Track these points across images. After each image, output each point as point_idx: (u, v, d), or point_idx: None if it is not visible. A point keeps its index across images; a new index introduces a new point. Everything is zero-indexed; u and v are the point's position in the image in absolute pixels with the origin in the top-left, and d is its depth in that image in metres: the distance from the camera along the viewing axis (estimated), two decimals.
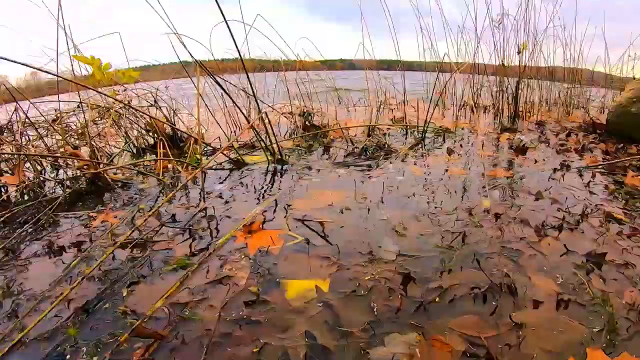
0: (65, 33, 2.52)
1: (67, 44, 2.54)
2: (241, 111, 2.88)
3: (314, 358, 0.98)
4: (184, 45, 2.74)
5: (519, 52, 4.15)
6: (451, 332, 1.04)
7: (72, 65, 2.69)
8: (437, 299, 1.18)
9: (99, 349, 1.04)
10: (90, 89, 2.53)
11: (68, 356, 1.02)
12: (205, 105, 3.07)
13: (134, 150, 3.28)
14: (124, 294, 1.29)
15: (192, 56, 2.61)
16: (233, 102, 2.84)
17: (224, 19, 2.32)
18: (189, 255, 1.52)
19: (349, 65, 7.05)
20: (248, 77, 2.62)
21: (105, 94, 2.81)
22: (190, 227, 1.75)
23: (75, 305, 1.22)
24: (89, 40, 3.02)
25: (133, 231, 1.67)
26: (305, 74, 4.55)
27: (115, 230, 1.77)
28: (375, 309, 1.15)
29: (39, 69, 2.16)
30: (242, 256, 1.48)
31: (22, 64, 1.83)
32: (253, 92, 2.67)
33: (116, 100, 2.96)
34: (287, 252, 1.51)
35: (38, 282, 1.39)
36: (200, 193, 2.18)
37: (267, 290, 1.26)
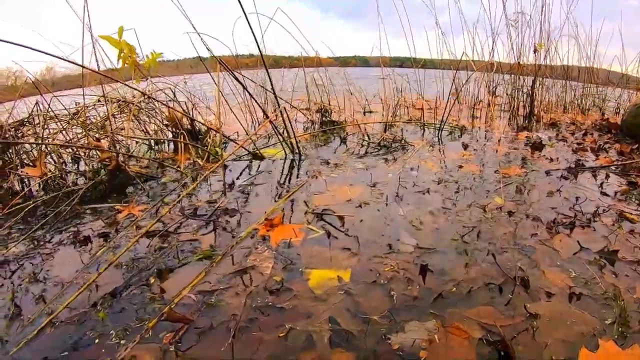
0: (90, 26, 2.59)
1: (91, 37, 2.61)
2: (260, 107, 2.93)
3: (337, 342, 1.03)
4: (206, 45, 2.79)
5: (535, 51, 4.16)
6: (468, 321, 1.09)
7: (96, 59, 2.75)
8: (453, 290, 1.24)
9: (127, 333, 1.09)
10: (115, 80, 2.59)
11: (97, 340, 1.07)
12: (225, 100, 3.13)
13: (153, 144, 3.36)
14: (151, 281, 1.34)
15: (213, 54, 2.66)
16: (252, 97, 2.90)
17: (244, 14, 2.38)
18: (213, 246, 1.58)
19: (362, 62, 7.08)
20: (268, 72, 2.68)
21: (124, 83, 2.85)
22: (213, 220, 1.82)
23: (103, 291, 1.28)
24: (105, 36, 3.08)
25: (158, 220, 1.72)
26: (322, 70, 4.59)
27: (140, 222, 1.84)
28: (395, 298, 1.20)
29: (71, 61, 2.22)
30: (265, 248, 1.54)
31: (51, 55, 1.90)
32: (272, 87, 2.72)
33: (139, 91, 3.01)
34: (308, 244, 1.57)
35: (64, 269, 1.45)
36: (222, 186, 2.24)
37: (291, 279, 1.32)
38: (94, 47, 2.65)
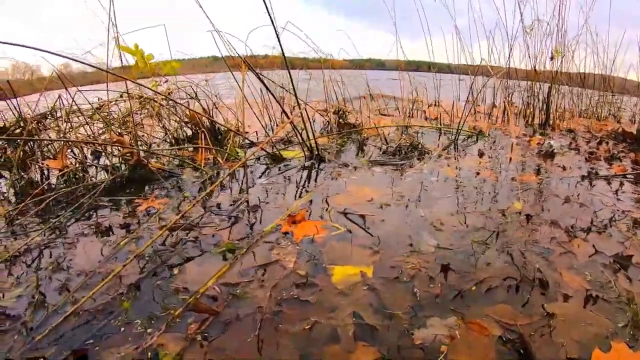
0: (115, 24, 2.65)
1: (116, 34, 2.65)
2: (281, 107, 2.98)
3: (361, 336, 1.08)
4: (231, 47, 2.85)
5: (551, 58, 4.18)
6: (488, 319, 1.14)
7: (120, 56, 2.81)
8: (473, 289, 1.28)
9: (152, 322, 1.13)
10: (131, 80, 2.64)
11: (123, 328, 1.11)
12: (247, 100, 3.18)
13: (173, 142, 3.42)
14: (175, 272, 1.40)
15: (238, 54, 2.72)
16: (275, 99, 2.95)
17: (270, 17, 2.43)
18: (236, 240, 1.63)
19: (378, 64, 7.10)
20: (290, 73, 2.73)
21: (145, 86, 2.91)
22: (236, 216, 1.87)
23: (127, 282, 1.33)
24: (129, 33, 3.16)
25: (182, 215, 1.78)
26: (337, 73, 4.63)
27: (161, 215, 1.90)
28: (417, 295, 1.25)
29: (92, 64, 2.29)
30: (289, 243, 1.59)
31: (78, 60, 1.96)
32: (294, 88, 2.77)
33: (157, 92, 3.08)
34: (330, 241, 1.62)
35: (87, 259, 1.50)
36: (245, 184, 2.29)
37: (315, 274, 1.37)
38: (117, 42, 2.70)
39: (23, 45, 1.69)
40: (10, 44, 1.63)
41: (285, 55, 2.60)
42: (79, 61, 2.25)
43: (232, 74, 2.97)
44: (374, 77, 5.42)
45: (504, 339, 1.06)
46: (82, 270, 1.42)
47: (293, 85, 2.76)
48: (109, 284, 1.29)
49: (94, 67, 2.54)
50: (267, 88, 2.92)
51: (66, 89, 2.89)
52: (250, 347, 1.04)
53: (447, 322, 1.12)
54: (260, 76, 2.80)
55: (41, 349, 1.03)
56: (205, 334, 1.09)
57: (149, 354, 1.02)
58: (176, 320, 1.14)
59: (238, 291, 1.28)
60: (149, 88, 2.94)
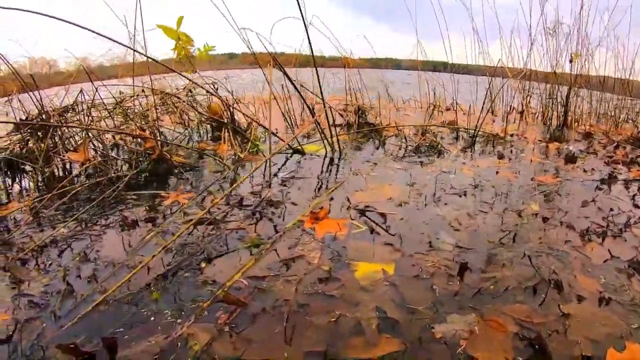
0: (141, 18, 2.71)
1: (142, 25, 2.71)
2: (307, 105, 3.03)
3: (385, 328, 1.14)
4: (263, 44, 2.90)
5: (571, 61, 4.17)
6: (505, 316, 1.19)
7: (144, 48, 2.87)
8: (491, 287, 1.33)
9: (182, 313, 1.18)
10: (173, 70, 2.69)
11: (152, 318, 1.16)
12: (274, 96, 3.23)
13: (193, 136, 3.50)
14: (203, 265, 1.45)
15: (269, 52, 2.76)
16: (301, 97, 2.99)
17: (300, 10, 2.48)
18: (260, 235, 1.70)
19: (394, 64, 7.12)
20: (317, 72, 2.77)
21: (184, 75, 2.95)
22: (260, 211, 1.94)
23: (155, 274, 1.39)
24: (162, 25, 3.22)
25: (208, 211, 1.84)
26: (356, 72, 4.67)
27: (186, 210, 1.96)
28: (437, 292, 1.30)
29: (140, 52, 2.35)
30: (312, 239, 1.65)
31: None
32: (320, 86, 2.81)
33: (190, 80, 3.12)
34: (352, 238, 1.68)
35: (113, 251, 1.56)
36: (265, 178, 2.35)
37: (338, 270, 1.43)
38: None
39: (80, 26, 1.77)
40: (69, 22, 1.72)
41: (302, 53, 2.64)
42: (129, 48, 2.29)
43: (263, 71, 3.00)
44: (390, 78, 5.44)
45: (521, 335, 1.11)
46: (109, 261, 1.47)
47: (319, 83, 2.81)
48: (137, 276, 1.34)
49: (142, 54, 2.56)
50: (295, 87, 2.96)
51: (92, 82, 2.96)
52: (278, 338, 1.09)
53: (466, 319, 1.17)
54: (288, 75, 2.85)
55: (72, 337, 1.07)
56: (233, 325, 1.13)
57: (179, 343, 1.06)
58: (205, 312, 1.18)
59: (264, 285, 1.33)
60: (186, 77, 2.94)
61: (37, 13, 1.84)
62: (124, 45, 2.25)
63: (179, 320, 1.15)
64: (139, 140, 2.78)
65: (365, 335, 1.11)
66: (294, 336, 1.10)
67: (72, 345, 0.99)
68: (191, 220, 1.77)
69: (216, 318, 1.16)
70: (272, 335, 1.10)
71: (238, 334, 1.10)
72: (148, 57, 2.52)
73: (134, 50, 2.35)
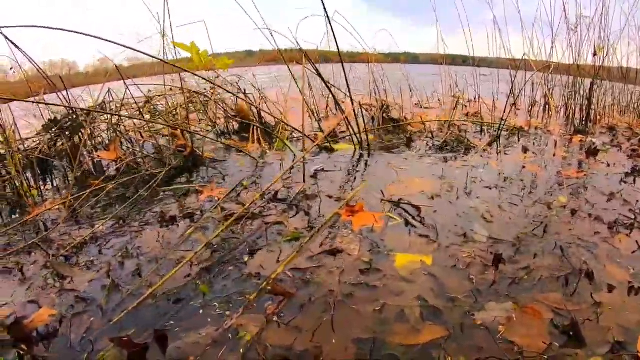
0: (170, 19, 2.80)
1: (170, 28, 2.80)
2: (337, 103, 3.08)
3: (428, 316, 1.22)
4: (292, 41, 2.97)
5: (594, 55, 4.16)
6: (539, 304, 1.27)
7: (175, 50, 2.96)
8: (525, 277, 1.41)
9: (230, 305, 1.24)
10: (192, 73, 2.79)
11: (201, 311, 1.21)
12: (308, 93, 3.29)
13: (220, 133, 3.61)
14: (245, 259, 1.54)
15: (300, 48, 2.83)
16: (332, 94, 3.05)
17: (326, 12, 2.55)
18: (298, 228, 1.78)
19: (412, 58, 7.13)
20: (344, 69, 2.83)
21: (205, 78, 3.06)
22: (296, 204, 2.03)
23: (199, 268, 1.45)
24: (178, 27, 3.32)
25: (249, 206, 1.92)
26: (379, 67, 4.71)
27: (222, 205, 2.04)
28: (474, 281, 1.39)
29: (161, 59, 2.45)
30: (349, 232, 1.74)
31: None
32: (347, 84, 2.87)
33: (214, 83, 3.23)
34: (389, 230, 1.76)
35: (155, 247, 1.65)
36: (301, 173, 2.42)
37: (378, 261, 1.51)
38: (171, 36, 2.84)
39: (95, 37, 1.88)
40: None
41: (320, 49, 2.68)
42: (145, 53, 2.39)
43: (289, 68, 3.05)
44: (411, 72, 5.46)
45: (555, 322, 1.19)
46: (152, 257, 1.54)
47: (347, 79, 2.87)
48: (182, 271, 1.40)
49: (157, 59, 2.67)
50: (326, 84, 3.02)
51: (124, 82, 3.07)
52: (326, 326, 1.16)
53: (503, 306, 1.25)
54: (320, 73, 2.91)
55: (120, 331, 1.13)
56: (282, 315, 1.20)
57: (229, 335, 1.12)
58: (252, 304, 1.24)
59: (308, 276, 1.41)
60: (206, 79, 3.07)
61: (51, 28, 1.91)
62: (137, 51, 2.33)
63: (227, 313, 1.21)
64: (169, 137, 2.87)
65: (410, 322, 1.19)
66: (341, 324, 1.17)
67: (125, 338, 1.03)
68: (229, 215, 1.86)
69: (265, 309, 1.23)
70: (319, 324, 1.16)
71: (287, 324, 1.16)
72: (161, 60, 2.63)
73: (145, 54, 2.42)
